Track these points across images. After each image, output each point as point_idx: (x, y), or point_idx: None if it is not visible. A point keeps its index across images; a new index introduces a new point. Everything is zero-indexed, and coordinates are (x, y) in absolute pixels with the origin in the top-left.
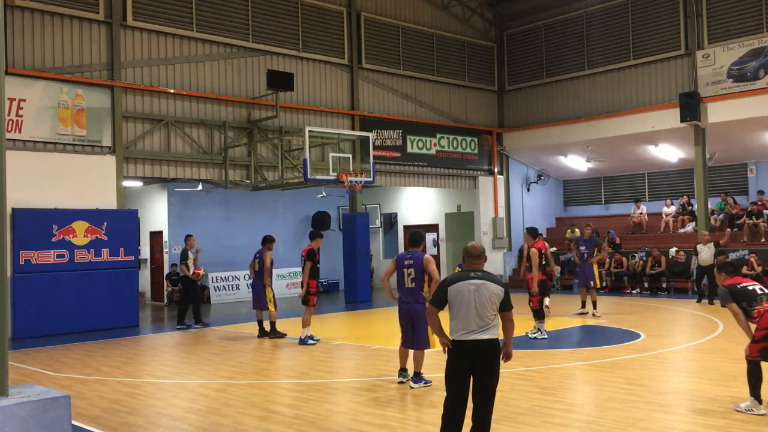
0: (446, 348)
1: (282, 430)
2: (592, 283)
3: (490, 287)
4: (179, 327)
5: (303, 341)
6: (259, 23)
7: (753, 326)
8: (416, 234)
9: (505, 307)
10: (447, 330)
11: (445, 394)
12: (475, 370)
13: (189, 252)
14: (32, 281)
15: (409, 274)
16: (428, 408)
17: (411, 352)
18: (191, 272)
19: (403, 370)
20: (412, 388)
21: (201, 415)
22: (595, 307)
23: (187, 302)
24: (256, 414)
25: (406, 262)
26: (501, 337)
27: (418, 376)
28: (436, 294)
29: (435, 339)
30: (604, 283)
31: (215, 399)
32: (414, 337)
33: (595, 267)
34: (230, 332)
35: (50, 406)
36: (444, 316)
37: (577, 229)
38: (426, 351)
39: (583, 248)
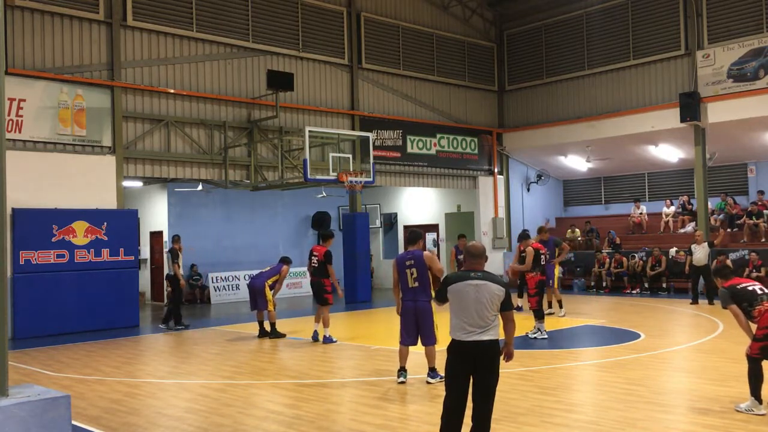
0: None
1: (282, 430)
2: (551, 282)
3: (490, 287)
4: (179, 327)
5: (328, 340)
6: (259, 23)
7: (754, 326)
8: (414, 233)
9: (506, 307)
10: (447, 329)
11: (444, 394)
12: (475, 370)
13: (180, 253)
14: (32, 281)
15: (411, 274)
16: (428, 407)
17: (410, 350)
18: (173, 274)
19: (402, 370)
20: (429, 383)
21: (201, 415)
22: (561, 306)
23: (177, 302)
24: (256, 414)
25: (407, 263)
26: (502, 337)
27: (433, 371)
28: (438, 292)
29: (441, 335)
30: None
31: (215, 399)
32: (419, 334)
33: (557, 268)
34: (230, 332)
35: (50, 406)
36: (444, 315)
37: (577, 230)
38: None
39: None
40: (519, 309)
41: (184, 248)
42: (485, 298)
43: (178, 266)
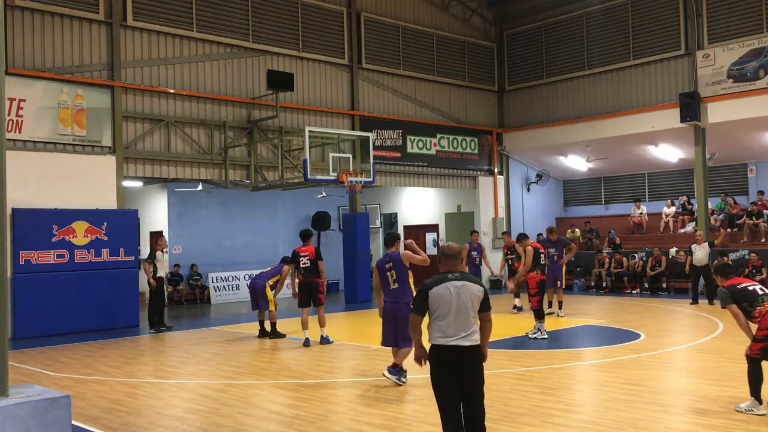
0: (422, 361)
1: (282, 430)
2: (559, 283)
3: (470, 288)
4: (161, 328)
5: (325, 340)
6: (259, 23)
7: (754, 326)
8: (390, 234)
9: (485, 307)
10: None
11: (437, 404)
12: (459, 374)
13: (158, 253)
14: (32, 281)
15: (391, 276)
16: (428, 407)
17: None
18: (154, 276)
19: (402, 370)
20: (384, 376)
21: (201, 415)
22: (560, 307)
23: (162, 303)
24: (256, 414)
25: (386, 266)
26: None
27: (395, 368)
28: (417, 301)
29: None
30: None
31: (215, 399)
32: (397, 336)
33: (563, 268)
34: (230, 332)
35: (50, 406)
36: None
37: (577, 229)
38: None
39: (552, 250)
40: (519, 309)
41: (171, 249)
42: (466, 298)
43: (152, 267)
